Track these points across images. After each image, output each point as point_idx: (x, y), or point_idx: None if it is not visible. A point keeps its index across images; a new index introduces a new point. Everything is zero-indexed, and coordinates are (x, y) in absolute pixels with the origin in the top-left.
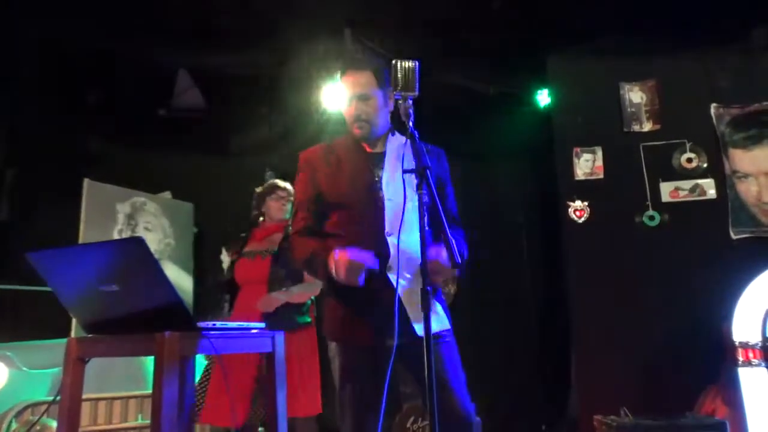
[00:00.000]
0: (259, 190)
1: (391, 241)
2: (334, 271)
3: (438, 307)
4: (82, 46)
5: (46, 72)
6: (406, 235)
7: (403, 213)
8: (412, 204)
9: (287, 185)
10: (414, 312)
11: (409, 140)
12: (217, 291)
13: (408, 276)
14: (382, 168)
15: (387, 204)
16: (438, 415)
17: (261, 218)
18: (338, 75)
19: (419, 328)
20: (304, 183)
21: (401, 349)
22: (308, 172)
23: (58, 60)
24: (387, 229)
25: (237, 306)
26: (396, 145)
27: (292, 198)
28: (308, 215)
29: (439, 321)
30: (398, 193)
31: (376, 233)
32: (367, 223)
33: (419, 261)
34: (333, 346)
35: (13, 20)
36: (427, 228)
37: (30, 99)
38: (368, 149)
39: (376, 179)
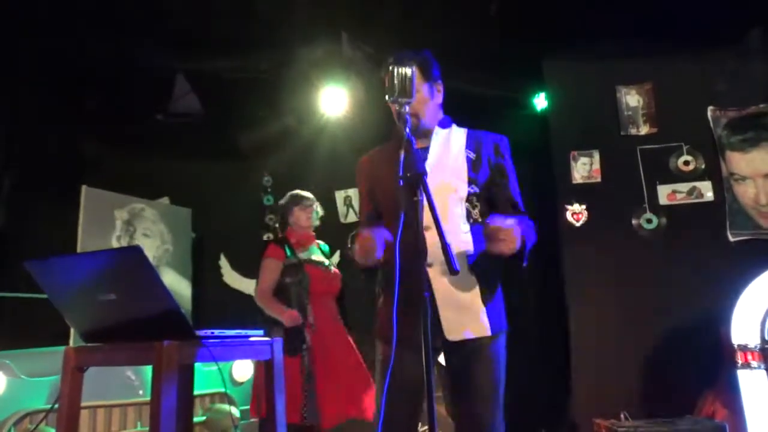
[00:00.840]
0: (282, 201)
1: (429, 235)
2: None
3: (476, 311)
4: (79, 51)
5: (44, 78)
6: (447, 229)
7: (434, 209)
8: (451, 198)
9: (309, 194)
10: (448, 314)
11: (464, 131)
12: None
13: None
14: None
15: (424, 197)
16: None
17: (285, 227)
18: (382, 73)
19: (449, 333)
20: (361, 193)
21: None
22: (360, 179)
23: (56, 66)
24: (424, 223)
25: (319, 316)
26: (443, 137)
27: (315, 205)
28: (369, 215)
29: (477, 325)
30: (441, 186)
31: (413, 227)
32: (404, 218)
33: (466, 254)
34: (378, 348)
35: (12, 26)
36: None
37: (28, 105)
38: (417, 144)
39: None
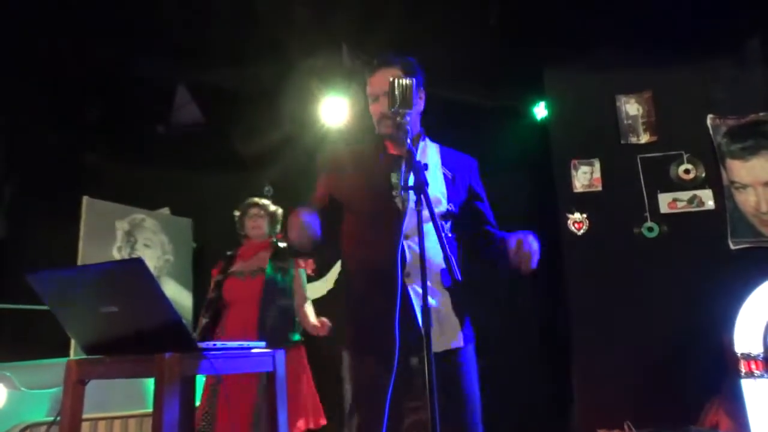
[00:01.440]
0: (236, 212)
1: (409, 245)
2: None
3: (454, 322)
4: (81, 62)
5: (45, 88)
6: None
7: (420, 219)
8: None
9: (263, 201)
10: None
11: (436, 147)
12: (202, 309)
13: (431, 284)
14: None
15: (409, 206)
16: None
17: (245, 238)
18: (366, 75)
19: (435, 344)
20: (323, 182)
21: (419, 364)
22: (327, 172)
23: (57, 76)
24: (405, 232)
25: (229, 324)
26: (421, 149)
27: (267, 213)
28: (319, 201)
29: (456, 336)
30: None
31: (392, 236)
32: (381, 225)
33: (439, 269)
34: (347, 356)
35: (14, 37)
36: (450, 235)
37: (29, 115)
38: (392, 150)
39: (399, 180)
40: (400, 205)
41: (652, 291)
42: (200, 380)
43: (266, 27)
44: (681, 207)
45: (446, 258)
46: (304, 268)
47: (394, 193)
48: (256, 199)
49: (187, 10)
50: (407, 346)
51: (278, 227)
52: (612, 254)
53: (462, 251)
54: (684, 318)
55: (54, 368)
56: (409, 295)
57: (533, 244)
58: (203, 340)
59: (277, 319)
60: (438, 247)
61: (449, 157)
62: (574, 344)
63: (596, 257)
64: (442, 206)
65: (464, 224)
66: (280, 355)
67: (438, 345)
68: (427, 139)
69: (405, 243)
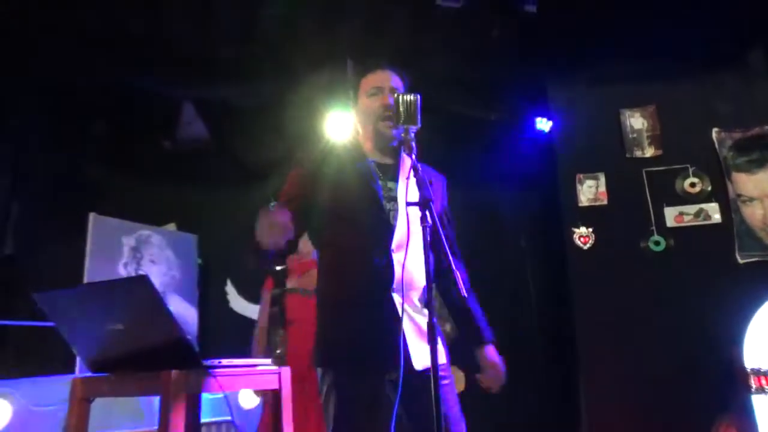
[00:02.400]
0: None
1: (397, 258)
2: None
3: (437, 341)
4: (86, 78)
5: (51, 104)
6: (412, 256)
7: (408, 232)
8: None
9: None
10: (414, 342)
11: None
12: (273, 327)
13: (414, 301)
14: (395, 180)
15: (399, 218)
16: None
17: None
18: (360, 72)
19: (417, 361)
20: (299, 180)
21: (396, 381)
22: (307, 170)
23: (62, 92)
24: (393, 245)
25: (293, 344)
26: (408, 162)
27: None
28: (294, 205)
29: (440, 354)
30: (414, 210)
31: (380, 248)
32: (370, 236)
33: (422, 286)
34: (327, 377)
35: (19, 53)
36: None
37: (35, 132)
38: (374, 158)
39: (384, 189)
40: (389, 217)
41: (659, 305)
42: None
43: (271, 42)
44: (688, 221)
45: (453, 273)
46: None
47: (386, 204)
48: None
49: (193, 26)
50: (392, 363)
51: None
52: (618, 268)
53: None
54: (692, 333)
55: (60, 385)
56: (396, 311)
57: (498, 376)
58: (282, 356)
59: None
60: (423, 263)
61: (424, 172)
62: (580, 361)
63: (602, 271)
64: (428, 220)
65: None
66: (286, 372)
67: (421, 362)
68: (403, 153)
69: (393, 256)
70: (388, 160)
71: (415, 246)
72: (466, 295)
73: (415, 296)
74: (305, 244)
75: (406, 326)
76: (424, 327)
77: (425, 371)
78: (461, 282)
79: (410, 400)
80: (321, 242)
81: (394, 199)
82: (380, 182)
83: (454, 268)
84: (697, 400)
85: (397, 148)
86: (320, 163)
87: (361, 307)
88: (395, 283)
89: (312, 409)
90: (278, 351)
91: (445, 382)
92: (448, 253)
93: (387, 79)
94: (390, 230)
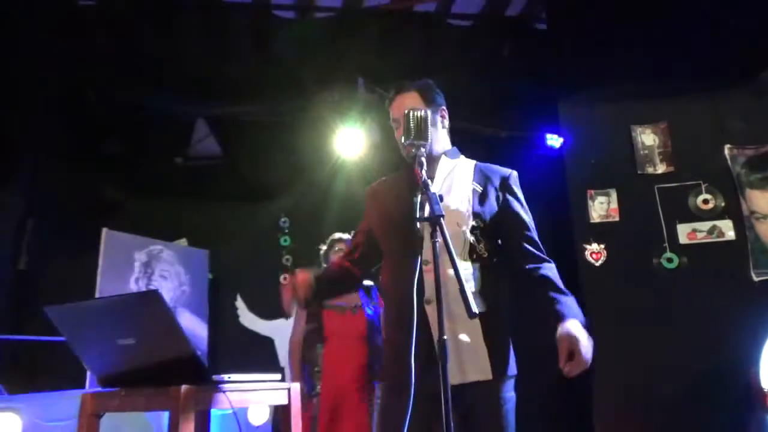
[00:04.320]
0: (323, 247)
1: (427, 271)
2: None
3: (481, 353)
4: (100, 95)
5: (65, 122)
6: (447, 264)
7: (435, 249)
8: (452, 232)
9: (345, 235)
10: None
11: (472, 164)
12: (310, 344)
13: (453, 314)
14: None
15: (427, 231)
16: None
17: None
18: (387, 105)
19: (452, 375)
20: (365, 214)
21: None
22: (367, 206)
23: (77, 109)
24: (424, 256)
25: (328, 360)
26: (448, 168)
27: None
28: (356, 243)
29: (481, 368)
30: (449, 218)
31: (412, 261)
32: (404, 251)
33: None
34: (379, 391)
35: (34, 71)
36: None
37: (50, 150)
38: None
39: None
40: (422, 228)
41: (672, 324)
42: None
43: (283, 61)
44: (701, 237)
45: (461, 290)
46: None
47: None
48: (341, 235)
49: (205, 46)
50: (425, 378)
51: None
52: (631, 285)
53: (498, 274)
54: (706, 352)
55: (69, 401)
56: (428, 325)
57: (587, 352)
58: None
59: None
60: (461, 272)
61: (482, 172)
62: (592, 380)
63: (614, 288)
64: (466, 225)
65: (501, 236)
66: (295, 387)
67: (455, 377)
68: (462, 156)
69: (425, 270)
70: (431, 173)
71: (446, 258)
72: (475, 312)
73: (454, 308)
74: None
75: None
76: (464, 339)
77: (459, 386)
78: (470, 299)
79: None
80: (382, 267)
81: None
82: (417, 196)
83: (461, 280)
84: (712, 421)
85: (436, 159)
86: (377, 191)
87: (397, 324)
88: (426, 296)
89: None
90: (316, 369)
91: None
92: (455, 263)
93: (401, 105)
94: (421, 245)
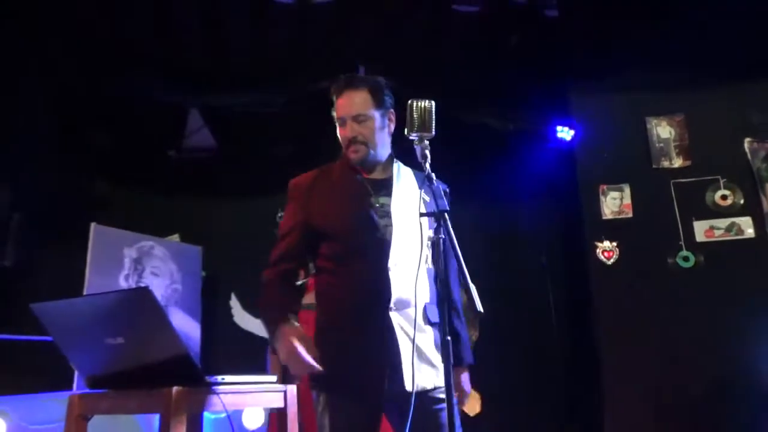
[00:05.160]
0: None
1: (395, 275)
2: (280, 354)
3: (437, 360)
4: (90, 85)
5: (53, 114)
6: (409, 271)
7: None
8: (415, 239)
9: None
10: (409, 362)
11: (424, 179)
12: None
13: (415, 319)
14: (389, 195)
15: (395, 234)
16: None
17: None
18: (333, 96)
19: (410, 383)
20: (292, 210)
21: (387, 404)
22: (298, 199)
23: (65, 101)
24: (390, 261)
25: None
26: (405, 173)
27: None
28: (291, 243)
29: (438, 375)
30: (411, 224)
31: (376, 266)
32: (365, 255)
33: (423, 303)
34: (322, 399)
35: (19, 61)
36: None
37: (36, 142)
38: (365, 174)
39: (377, 206)
40: (385, 233)
41: (688, 325)
42: None
43: (281, 50)
44: (719, 235)
45: (467, 288)
46: None
47: (380, 221)
48: None
49: (199, 35)
50: (383, 385)
51: None
52: (644, 285)
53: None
54: (723, 355)
55: (56, 403)
56: (393, 331)
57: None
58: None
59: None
60: (425, 279)
61: (424, 181)
62: (603, 384)
63: (627, 288)
64: (427, 233)
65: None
66: (292, 390)
67: (416, 383)
68: (400, 163)
69: (390, 274)
70: (379, 175)
71: (413, 262)
72: (481, 310)
73: (416, 314)
74: None
75: (403, 346)
76: (426, 346)
77: (423, 393)
78: (476, 296)
79: (401, 423)
80: (316, 266)
81: (388, 215)
82: (372, 199)
83: (468, 280)
84: (729, 424)
85: (386, 164)
86: (311, 187)
87: (355, 330)
88: (392, 302)
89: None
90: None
91: (440, 405)
92: (463, 265)
93: (350, 104)
94: (386, 248)
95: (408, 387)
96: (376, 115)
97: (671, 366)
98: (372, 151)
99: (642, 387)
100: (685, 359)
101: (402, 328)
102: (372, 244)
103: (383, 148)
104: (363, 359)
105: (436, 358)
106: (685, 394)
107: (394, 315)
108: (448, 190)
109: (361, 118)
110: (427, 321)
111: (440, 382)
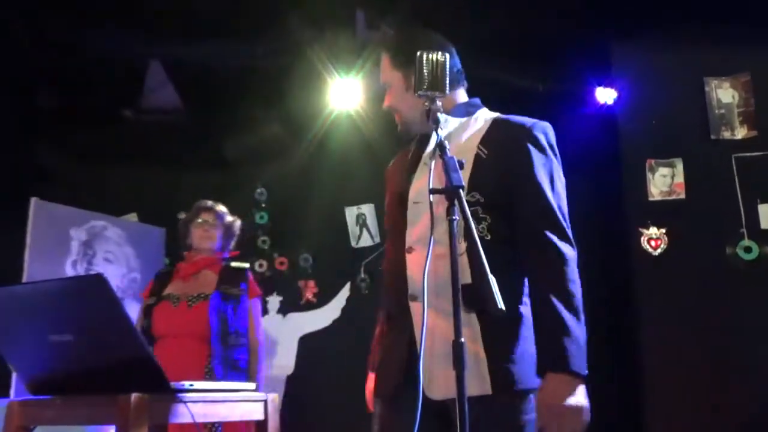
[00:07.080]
0: (182, 216)
1: (412, 259)
2: None
3: (481, 361)
4: (30, 34)
5: None
6: (432, 257)
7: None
8: (442, 209)
9: (218, 207)
10: (432, 363)
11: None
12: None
13: (441, 311)
14: (414, 170)
15: (409, 213)
16: None
17: (189, 251)
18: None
19: (434, 388)
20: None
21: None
22: (386, 184)
23: (3, 57)
24: (407, 244)
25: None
26: (470, 125)
27: (222, 224)
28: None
29: (479, 380)
30: (425, 199)
31: (397, 251)
32: (392, 238)
33: (461, 283)
34: (376, 405)
35: None
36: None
37: None
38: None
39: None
40: (411, 211)
41: (748, 328)
42: None
43: None
44: None
45: (485, 279)
46: (260, 296)
47: (413, 196)
48: (211, 203)
49: None
50: (402, 389)
51: (233, 243)
52: (697, 280)
53: (510, 260)
54: None
55: None
56: (410, 326)
57: (557, 412)
58: None
59: (227, 370)
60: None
61: (497, 129)
62: (647, 395)
63: (677, 284)
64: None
65: (511, 211)
66: (273, 399)
67: (440, 389)
68: (479, 112)
69: (407, 261)
70: (414, 147)
71: (435, 238)
72: (502, 307)
73: (444, 305)
74: (200, 239)
75: (427, 344)
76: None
77: (447, 402)
78: (496, 289)
79: None
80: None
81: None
82: (413, 174)
83: (487, 273)
84: None
85: (415, 134)
86: (391, 171)
87: (385, 327)
88: (410, 292)
89: None
90: None
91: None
92: (479, 248)
93: (385, 70)
94: (404, 229)
95: (429, 393)
96: (398, 75)
97: (726, 375)
98: (406, 119)
99: (690, 395)
100: (743, 367)
101: (425, 323)
102: (397, 225)
103: (416, 114)
104: (381, 361)
105: (478, 359)
106: (744, 411)
107: (415, 306)
108: (464, 161)
109: (387, 85)
110: (468, 309)
111: (480, 391)
